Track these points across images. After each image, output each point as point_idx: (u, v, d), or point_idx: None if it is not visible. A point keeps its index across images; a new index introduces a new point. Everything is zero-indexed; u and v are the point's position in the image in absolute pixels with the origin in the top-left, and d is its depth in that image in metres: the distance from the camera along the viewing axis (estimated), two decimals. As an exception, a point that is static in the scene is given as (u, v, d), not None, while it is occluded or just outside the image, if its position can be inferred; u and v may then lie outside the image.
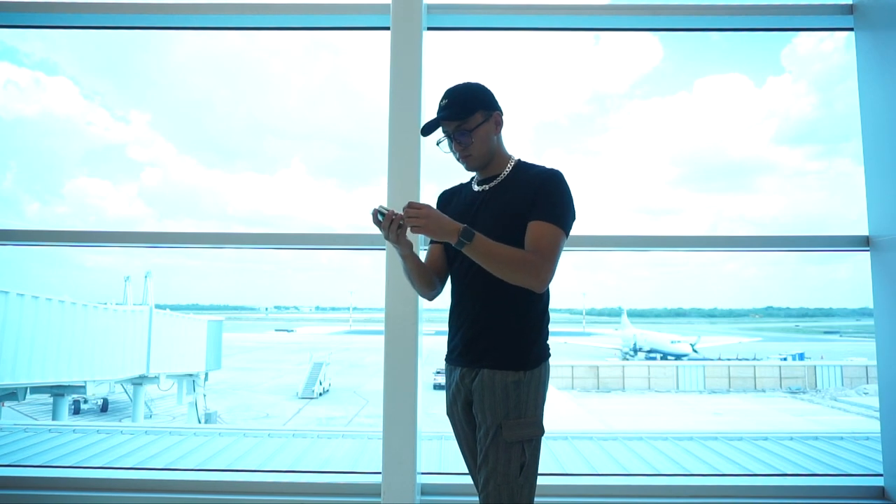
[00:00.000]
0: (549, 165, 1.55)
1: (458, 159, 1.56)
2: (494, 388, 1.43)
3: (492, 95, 1.56)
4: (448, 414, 1.59)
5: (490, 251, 1.37)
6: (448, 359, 1.59)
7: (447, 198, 1.68)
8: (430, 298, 1.66)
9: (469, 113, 1.50)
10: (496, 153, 1.56)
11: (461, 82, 1.56)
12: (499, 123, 1.55)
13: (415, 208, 1.37)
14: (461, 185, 1.69)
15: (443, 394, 1.58)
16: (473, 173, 1.63)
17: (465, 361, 1.51)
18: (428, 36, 2.36)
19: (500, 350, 1.46)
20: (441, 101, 1.53)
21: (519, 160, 1.59)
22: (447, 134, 1.53)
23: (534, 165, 1.56)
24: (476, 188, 1.59)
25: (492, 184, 1.56)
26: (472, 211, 1.55)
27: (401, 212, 1.39)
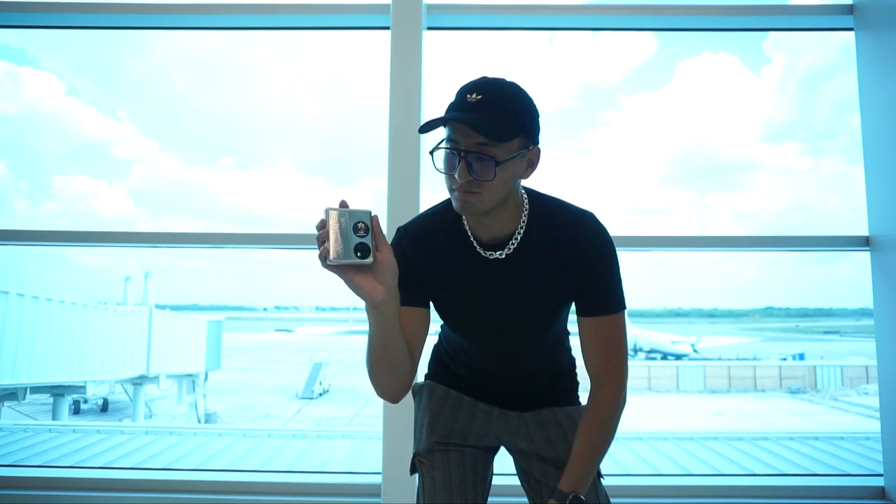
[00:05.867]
0: (566, 200, 1.13)
1: (452, 189, 1.02)
2: (571, 418, 1.23)
3: (538, 119, 1.04)
4: (446, 438, 1.24)
5: (595, 463, 1.11)
6: (467, 393, 1.28)
7: (422, 246, 1.11)
8: (395, 399, 1.08)
9: (509, 134, 0.97)
10: (509, 198, 1.05)
11: (502, 78, 1.02)
12: (532, 165, 1.05)
13: None
14: (438, 222, 1.12)
15: None
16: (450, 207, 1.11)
17: (513, 407, 1.26)
18: (428, 36, 2.36)
19: (563, 393, 1.26)
20: (469, 92, 0.98)
21: (531, 200, 1.11)
22: (455, 147, 0.99)
23: (557, 207, 1.11)
24: (480, 251, 1.09)
25: (508, 249, 1.08)
26: (486, 287, 1.08)
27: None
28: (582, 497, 1.04)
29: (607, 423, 1.10)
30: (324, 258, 0.87)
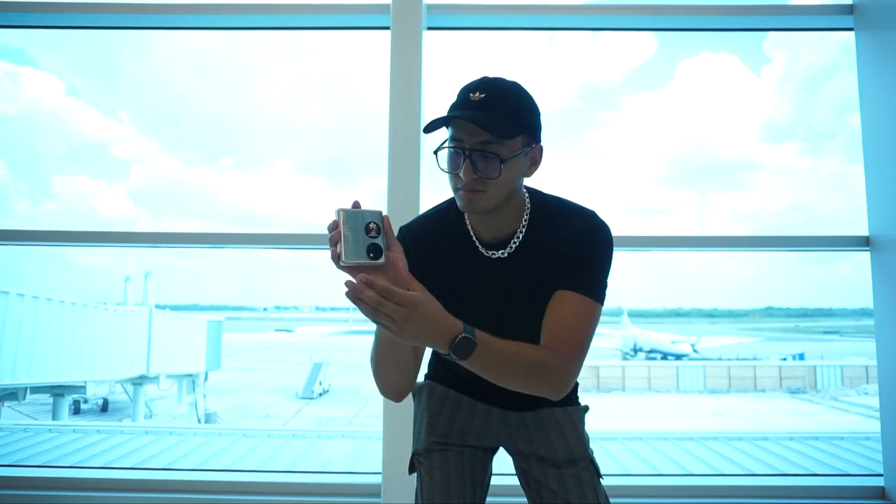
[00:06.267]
0: (568, 199, 1.12)
1: (456, 188, 1.02)
2: (570, 418, 1.22)
3: (540, 117, 1.06)
4: (445, 438, 1.24)
5: (500, 359, 0.94)
6: (467, 393, 1.25)
7: (425, 245, 1.11)
8: (398, 397, 1.10)
9: (513, 132, 0.98)
10: (513, 196, 1.06)
11: (503, 77, 1.03)
12: (535, 163, 1.07)
13: (380, 301, 0.83)
14: (440, 221, 1.14)
15: None
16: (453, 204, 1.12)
17: (512, 407, 1.24)
18: (428, 36, 2.36)
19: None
20: (471, 91, 1.00)
21: (533, 199, 1.11)
22: (459, 146, 0.99)
23: (558, 205, 1.11)
24: (482, 250, 1.10)
25: (510, 248, 1.08)
26: (488, 286, 1.10)
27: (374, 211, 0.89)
28: (474, 343, 0.90)
29: (539, 369, 0.98)
30: (336, 259, 0.87)
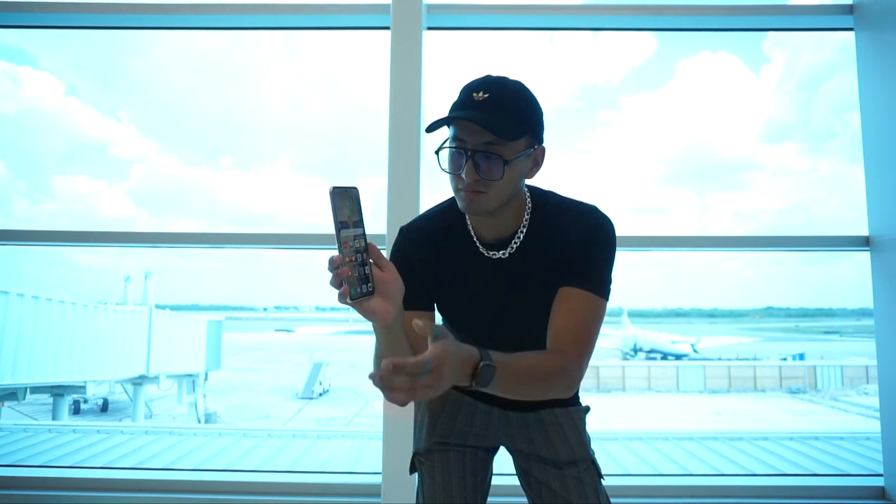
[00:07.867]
0: (569, 196, 1.11)
1: (457, 189, 1.01)
2: (572, 419, 1.22)
3: (543, 118, 1.04)
4: (446, 438, 1.23)
5: (518, 376, 0.90)
6: (467, 393, 1.24)
7: (425, 246, 1.11)
8: (402, 403, 1.20)
9: (517, 133, 0.97)
10: (514, 197, 1.04)
11: (506, 77, 1.02)
12: (537, 164, 1.05)
13: (403, 373, 0.77)
14: (440, 221, 1.13)
15: None
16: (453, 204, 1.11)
17: (513, 407, 1.23)
18: (428, 36, 2.36)
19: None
20: (475, 91, 0.98)
21: (534, 198, 1.10)
22: (461, 146, 0.97)
23: (559, 203, 1.10)
24: (483, 251, 1.09)
25: (511, 248, 1.08)
26: (488, 287, 1.09)
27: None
28: (493, 368, 0.85)
29: (555, 377, 0.95)
30: (345, 297, 0.87)
